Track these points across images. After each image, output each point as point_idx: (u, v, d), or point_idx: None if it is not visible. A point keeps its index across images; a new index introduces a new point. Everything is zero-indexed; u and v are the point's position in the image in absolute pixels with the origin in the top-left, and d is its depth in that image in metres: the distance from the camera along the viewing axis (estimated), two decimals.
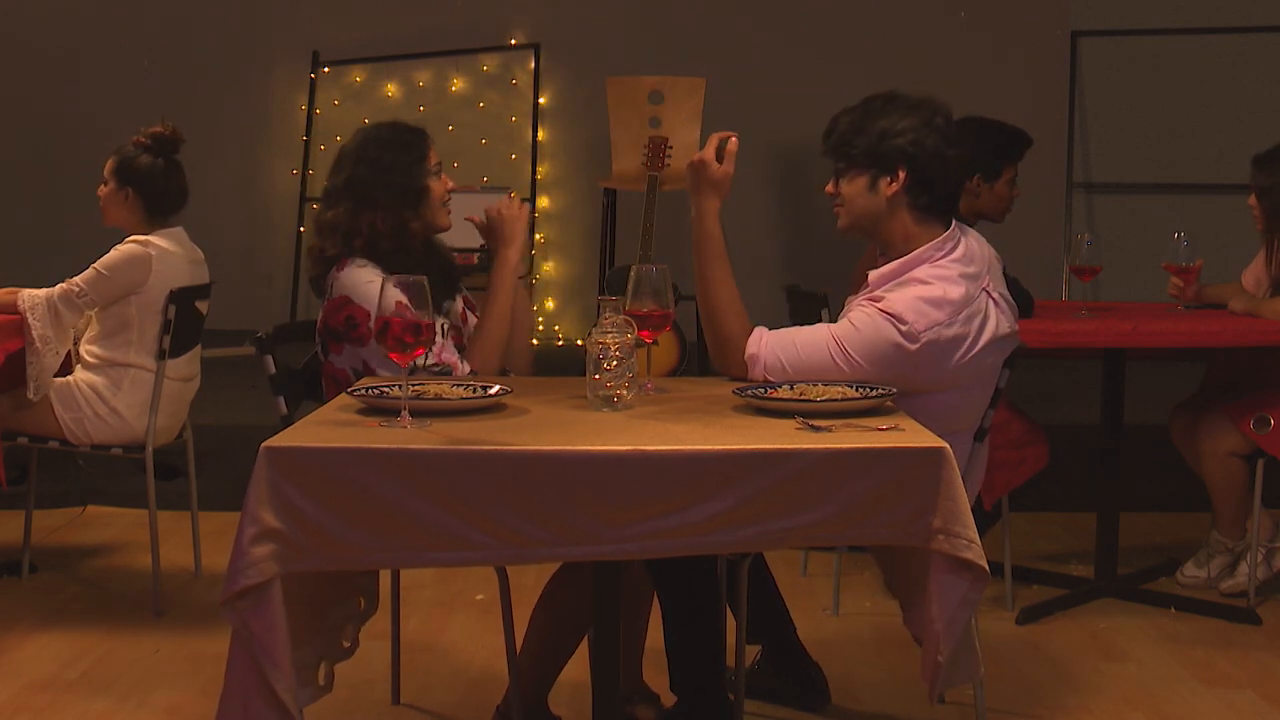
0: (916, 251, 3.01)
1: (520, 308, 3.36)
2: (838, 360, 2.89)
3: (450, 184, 3.37)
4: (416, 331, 2.50)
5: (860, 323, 2.91)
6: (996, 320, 3.01)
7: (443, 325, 3.30)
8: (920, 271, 2.98)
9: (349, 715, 3.42)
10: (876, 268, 3.08)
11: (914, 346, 2.87)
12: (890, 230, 3.04)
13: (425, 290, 2.52)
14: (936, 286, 2.94)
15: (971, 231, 3.14)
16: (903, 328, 2.88)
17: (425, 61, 7.79)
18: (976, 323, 2.96)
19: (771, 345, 2.99)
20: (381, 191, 3.27)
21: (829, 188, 3.12)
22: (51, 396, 4.10)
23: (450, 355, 3.21)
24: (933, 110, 3.15)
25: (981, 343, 2.96)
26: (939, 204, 3.05)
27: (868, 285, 3.05)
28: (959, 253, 3.02)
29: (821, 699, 3.46)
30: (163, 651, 3.84)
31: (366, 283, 3.17)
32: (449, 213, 3.37)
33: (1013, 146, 4.45)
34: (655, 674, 3.41)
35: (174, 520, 4.88)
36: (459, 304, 3.43)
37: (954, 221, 3.09)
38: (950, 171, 3.08)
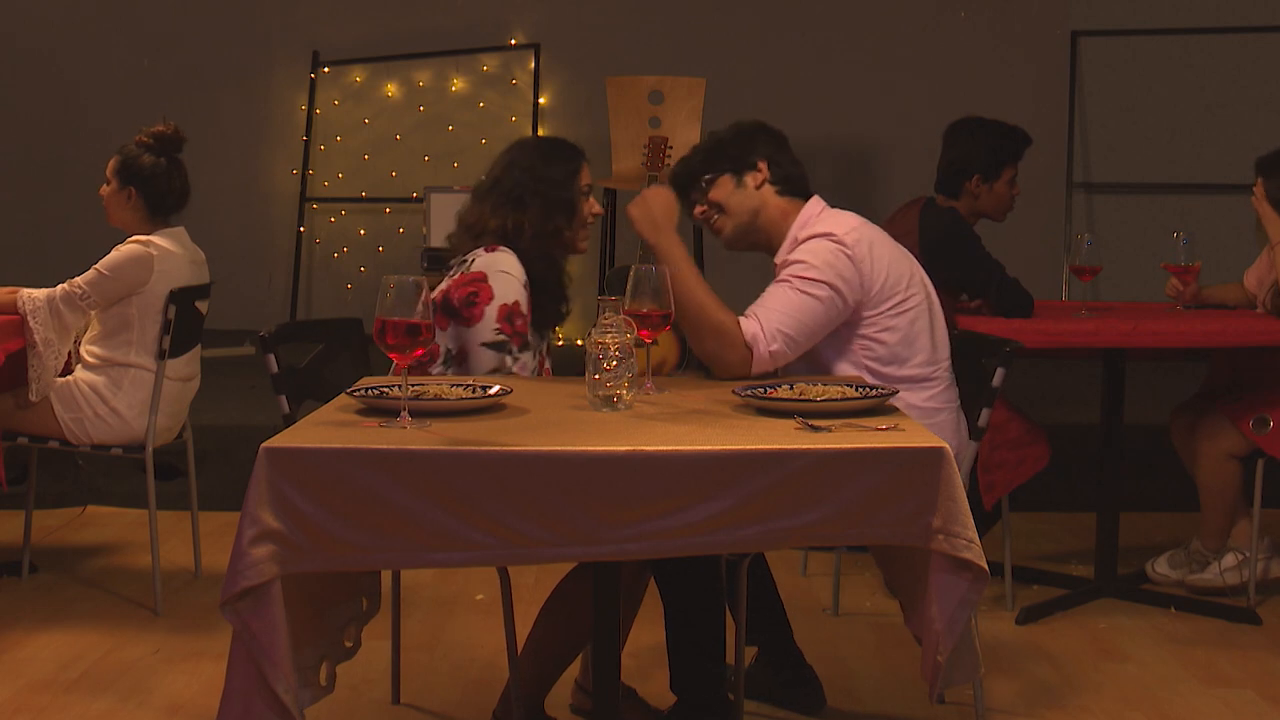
0: (799, 217, 3.32)
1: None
2: (811, 291, 3.13)
3: (598, 209, 3.38)
4: (414, 333, 2.50)
5: (807, 255, 3.17)
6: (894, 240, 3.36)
7: (538, 349, 3.31)
8: (812, 224, 3.28)
9: (349, 715, 3.42)
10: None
11: (850, 246, 3.18)
12: (770, 219, 3.34)
13: (424, 289, 2.52)
14: (832, 219, 3.28)
15: None
16: (834, 237, 3.19)
17: (425, 61, 7.79)
18: (883, 233, 3.33)
19: (764, 319, 3.10)
20: (533, 196, 3.29)
21: (696, 211, 3.40)
22: (51, 396, 4.10)
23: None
24: (765, 124, 3.44)
25: (899, 248, 3.31)
26: (796, 181, 3.38)
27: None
28: (832, 209, 3.36)
29: (817, 702, 3.46)
30: (163, 651, 3.84)
31: (504, 271, 3.19)
32: (588, 240, 3.39)
33: (1012, 145, 4.45)
34: (656, 673, 3.42)
35: (174, 520, 4.88)
36: (548, 340, 3.44)
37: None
38: (800, 166, 3.41)
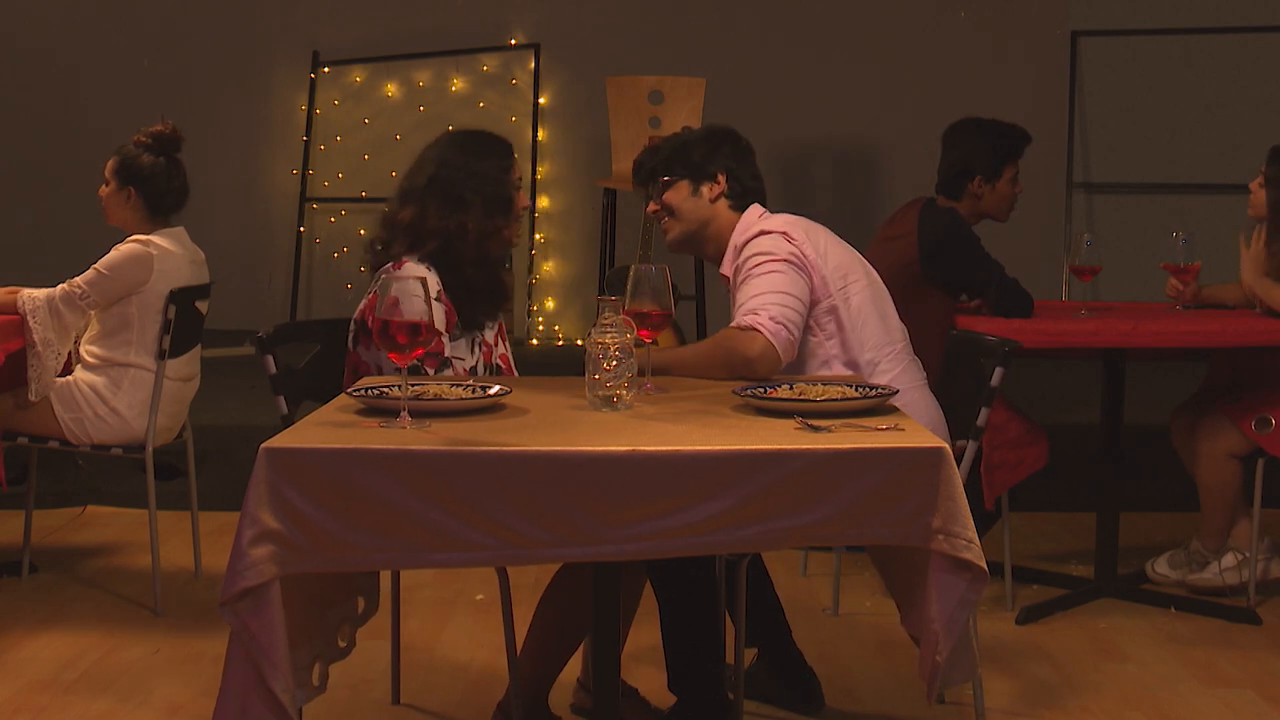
0: (740, 223, 3.37)
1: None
2: (775, 269, 3.18)
3: (526, 201, 3.37)
4: (414, 332, 2.50)
5: (755, 249, 3.23)
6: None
7: (475, 340, 3.29)
8: (754, 227, 3.33)
9: (349, 715, 3.42)
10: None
11: (789, 234, 3.25)
12: (717, 229, 3.39)
13: (425, 289, 2.52)
14: (768, 220, 3.34)
15: None
16: (771, 231, 3.25)
17: (425, 61, 7.79)
18: (818, 225, 3.38)
19: (750, 309, 3.12)
20: (473, 195, 3.25)
21: (650, 208, 3.46)
22: (51, 396, 4.10)
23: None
24: (737, 134, 3.48)
25: (833, 236, 3.37)
26: (753, 195, 3.43)
27: (727, 280, 3.37)
28: (768, 214, 3.41)
29: (816, 704, 3.46)
30: (163, 651, 3.84)
31: (409, 294, 3.15)
32: (519, 230, 3.37)
33: (1012, 145, 4.45)
34: (656, 672, 3.42)
35: (174, 520, 4.88)
36: (495, 329, 3.42)
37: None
38: (760, 182, 3.46)
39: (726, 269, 3.36)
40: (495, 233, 3.28)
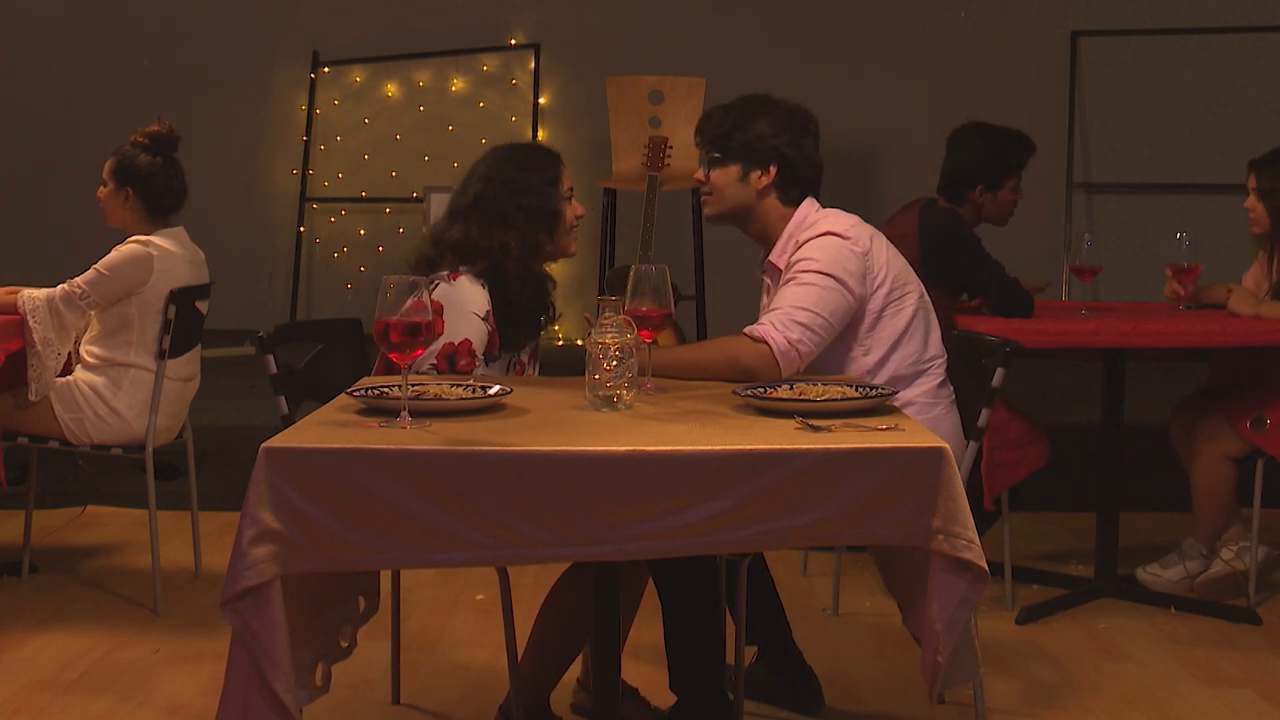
0: (795, 216, 3.31)
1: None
2: (819, 283, 3.13)
3: (581, 210, 3.34)
4: (414, 332, 2.50)
5: (812, 252, 3.17)
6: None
7: (511, 361, 3.29)
8: (810, 219, 3.29)
9: (349, 715, 3.42)
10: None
11: (854, 241, 3.20)
12: (763, 216, 3.34)
13: (423, 289, 2.52)
14: (831, 217, 3.28)
15: None
16: (838, 233, 3.20)
17: (425, 61, 7.79)
18: (878, 232, 3.33)
19: (775, 315, 3.09)
20: (516, 212, 3.23)
21: (698, 174, 3.39)
22: (51, 396, 4.10)
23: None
24: (807, 118, 3.41)
25: (887, 243, 3.31)
26: (806, 188, 3.36)
27: (775, 269, 3.32)
28: (827, 209, 3.36)
29: (816, 703, 3.46)
30: (163, 651, 3.84)
31: (467, 308, 3.14)
32: (575, 240, 3.34)
33: (1016, 154, 4.46)
34: (656, 672, 3.42)
35: (174, 520, 4.88)
36: (530, 349, 3.41)
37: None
38: (818, 170, 3.38)
39: (778, 259, 3.30)
40: (538, 248, 3.26)
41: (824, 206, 3.36)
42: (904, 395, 3.22)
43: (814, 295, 3.12)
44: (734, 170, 3.32)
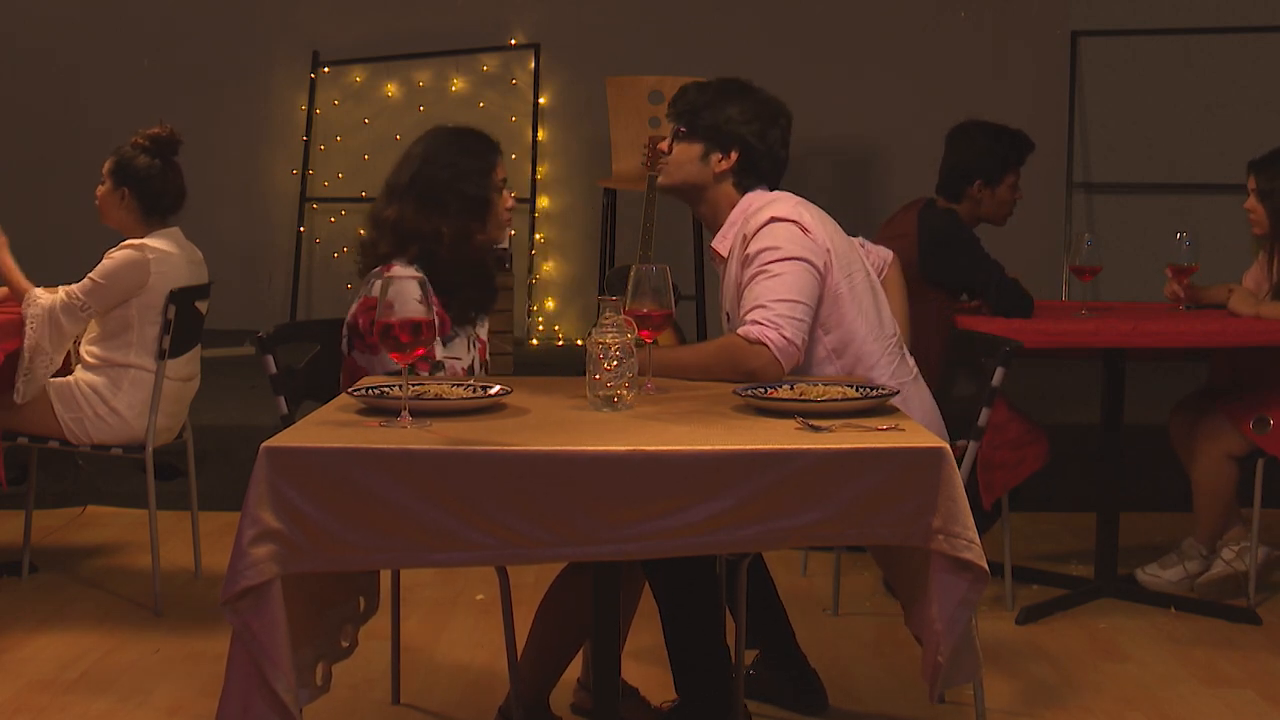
0: (742, 201, 3.30)
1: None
2: (787, 270, 3.10)
3: (511, 201, 3.33)
4: (416, 330, 2.50)
5: (767, 240, 3.14)
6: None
7: (470, 339, 3.28)
8: (754, 205, 3.26)
9: (349, 715, 3.42)
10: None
11: (799, 222, 3.16)
12: (713, 199, 3.32)
13: (427, 288, 2.52)
14: (774, 202, 3.24)
15: None
16: (781, 217, 3.16)
17: (425, 61, 7.79)
18: (819, 212, 3.28)
19: (760, 315, 3.07)
20: (451, 197, 3.23)
21: (662, 144, 3.38)
22: (51, 396, 4.11)
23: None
24: (779, 111, 3.36)
25: (834, 224, 3.27)
26: (765, 179, 3.34)
27: (717, 255, 3.33)
28: (775, 192, 3.34)
29: (818, 702, 3.46)
30: (163, 651, 3.84)
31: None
32: (507, 230, 3.34)
33: (1015, 150, 4.46)
34: (656, 672, 3.42)
35: (174, 520, 4.88)
36: (486, 322, 3.41)
37: None
38: (778, 167, 3.36)
39: (720, 245, 3.30)
40: (469, 236, 3.24)
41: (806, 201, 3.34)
42: (872, 376, 3.19)
43: (788, 282, 3.10)
44: (696, 148, 3.30)
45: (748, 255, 3.18)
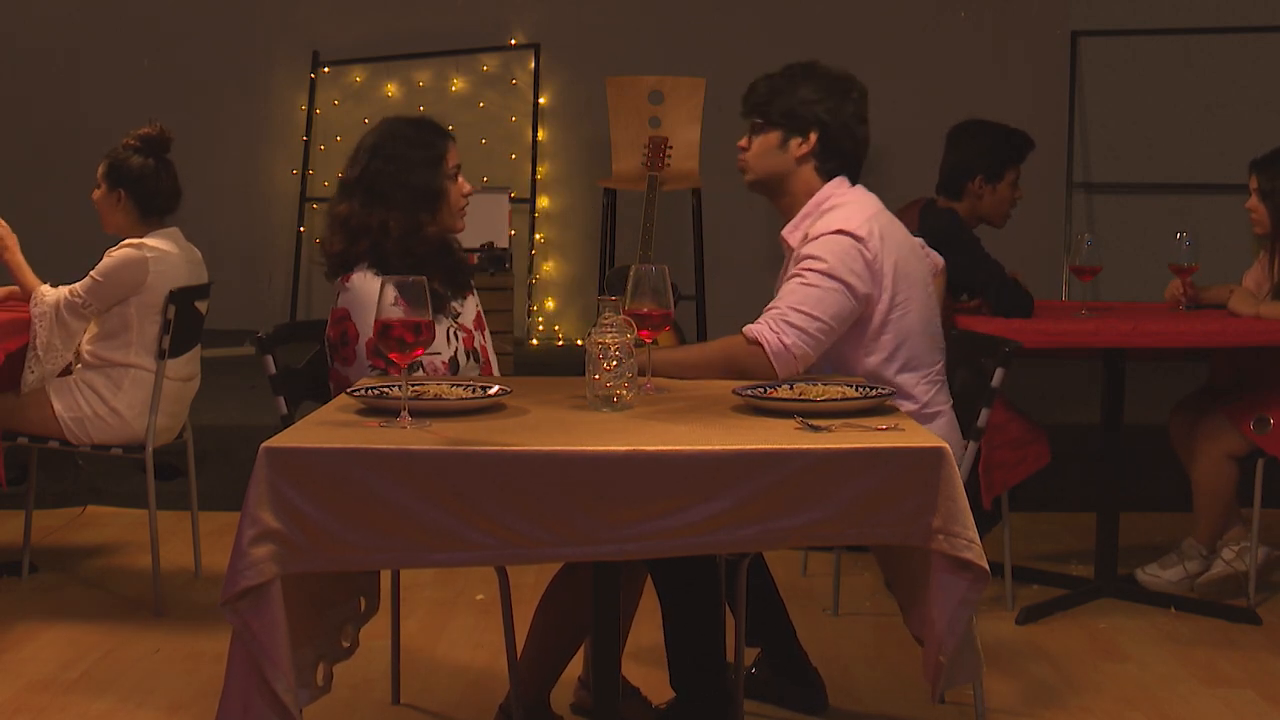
0: (820, 192, 3.25)
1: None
2: (821, 284, 3.08)
3: (468, 188, 3.30)
4: (416, 331, 2.50)
5: (819, 250, 3.11)
6: (908, 233, 3.31)
7: (450, 330, 3.27)
8: (830, 201, 3.22)
9: (349, 715, 3.42)
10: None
11: (865, 239, 3.12)
12: (793, 187, 3.27)
13: (424, 291, 2.52)
14: (851, 203, 3.20)
15: None
16: (848, 230, 3.12)
17: (425, 61, 7.79)
18: (897, 222, 3.25)
19: (772, 316, 3.06)
20: (397, 190, 3.20)
21: (741, 142, 3.33)
22: (51, 396, 4.11)
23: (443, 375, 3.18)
24: (850, 85, 3.31)
25: (909, 241, 3.26)
26: (843, 169, 3.28)
27: (786, 245, 3.28)
28: (859, 187, 3.28)
29: (819, 702, 3.46)
30: (163, 651, 3.84)
31: (370, 302, 3.06)
32: (464, 216, 3.31)
33: (1015, 147, 4.46)
34: (657, 672, 3.42)
35: (174, 520, 4.88)
36: (473, 308, 3.40)
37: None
38: (859, 145, 3.30)
39: (790, 236, 3.25)
40: (418, 228, 3.22)
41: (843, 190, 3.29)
42: (904, 405, 3.16)
43: (814, 297, 3.08)
44: (774, 136, 3.26)
45: (800, 255, 3.16)
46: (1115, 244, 6.92)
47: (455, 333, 3.28)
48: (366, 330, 3.06)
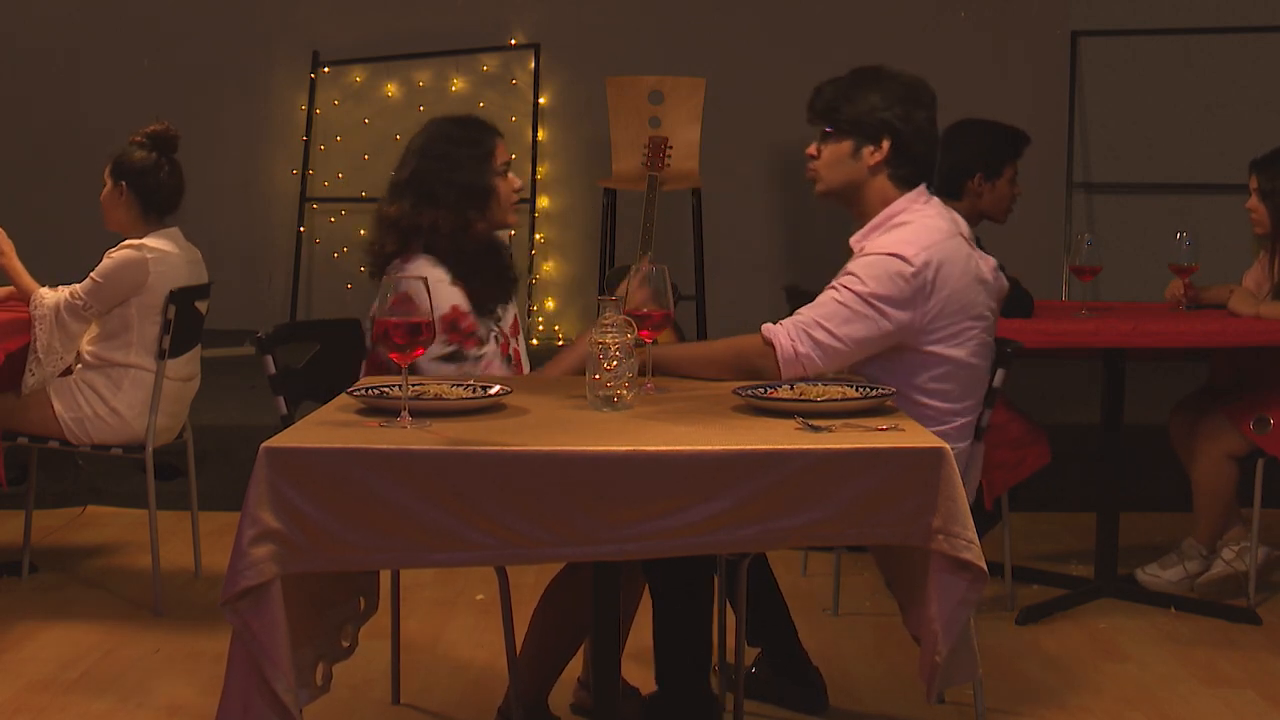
0: (894, 204, 3.15)
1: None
2: (853, 305, 2.99)
3: (519, 183, 3.31)
4: (415, 332, 2.50)
5: (864, 269, 3.02)
6: (979, 260, 3.15)
7: (493, 334, 3.27)
8: (901, 216, 3.13)
9: (349, 715, 3.42)
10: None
11: (914, 268, 2.99)
12: (868, 197, 3.18)
13: (425, 290, 2.52)
14: (918, 223, 3.09)
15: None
16: (901, 254, 3.00)
17: (425, 61, 7.79)
18: (964, 251, 3.10)
19: (794, 321, 3.01)
20: (446, 189, 3.21)
21: (810, 149, 3.24)
22: (52, 396, 4.11)
23: (498, 368, 3.19)
24: (921, 88, 3.26)
25: (972, 273, 3.10)
26: (919, 176, 3.20)
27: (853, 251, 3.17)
28: (935, 202, 3.18)
29: (820, 702, 3.46)
30: (163, 651, 3.84)
31: (435, 280, 3.06)
32: (515, 211, 3.31)
33: (1012, 144, 4.46)
34: (653, 671, 3.42)
35: (174, 520, 4.88)
36: (511, 314, 3.40)
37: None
38: (933, 147, 3.23)
39: (856, 243, 3.15)
40: (468, 226, 3.23)
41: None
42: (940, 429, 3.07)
43: (843, 316, 2.99)
44: (846, 145, 3.17)
45: (848, 268, 3.07)
46: (1115, 244, 6.92)
47: (495, 337, 3.29)
48: (438, 308, 3.03)
